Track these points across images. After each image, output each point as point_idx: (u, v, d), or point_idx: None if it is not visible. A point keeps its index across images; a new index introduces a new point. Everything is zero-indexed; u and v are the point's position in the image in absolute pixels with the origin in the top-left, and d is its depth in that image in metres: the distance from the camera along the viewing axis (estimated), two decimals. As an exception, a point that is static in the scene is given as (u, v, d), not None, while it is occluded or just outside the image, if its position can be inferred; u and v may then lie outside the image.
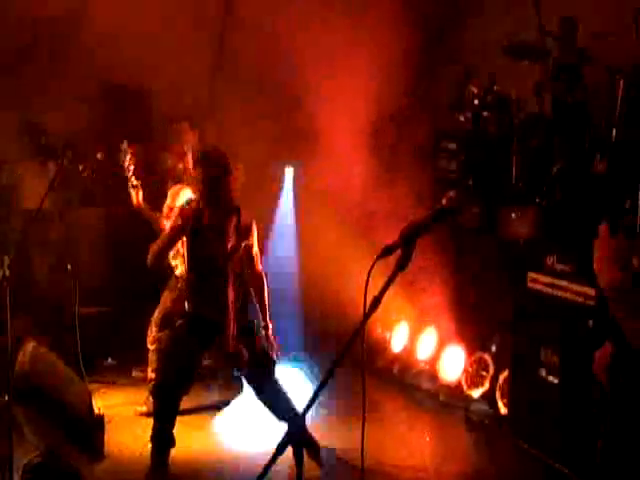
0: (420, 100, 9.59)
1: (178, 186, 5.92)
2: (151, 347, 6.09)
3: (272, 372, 5.14)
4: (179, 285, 6.09)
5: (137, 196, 5.67)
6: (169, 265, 6.23)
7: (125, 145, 5.43)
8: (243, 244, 4.99)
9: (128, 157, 5.40)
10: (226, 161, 5.00)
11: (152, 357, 6.09)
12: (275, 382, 5.13)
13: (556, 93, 6.91)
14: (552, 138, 6.72)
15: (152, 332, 6.09)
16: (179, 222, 4.92)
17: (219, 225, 4.91)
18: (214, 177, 4.91)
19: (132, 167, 5.44)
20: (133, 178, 5.50)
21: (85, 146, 7.42)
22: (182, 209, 4.97)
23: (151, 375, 6.07)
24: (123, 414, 6.01)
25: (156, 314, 6.11)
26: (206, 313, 5.00)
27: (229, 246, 4.93)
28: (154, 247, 5.01)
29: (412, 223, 2.28)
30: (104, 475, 4.96)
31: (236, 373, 5.29)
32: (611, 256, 2.87)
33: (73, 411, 5.18)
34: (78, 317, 6.47)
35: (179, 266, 6.11)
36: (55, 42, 8.05)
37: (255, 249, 5.08)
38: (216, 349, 5.18)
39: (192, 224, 4.89)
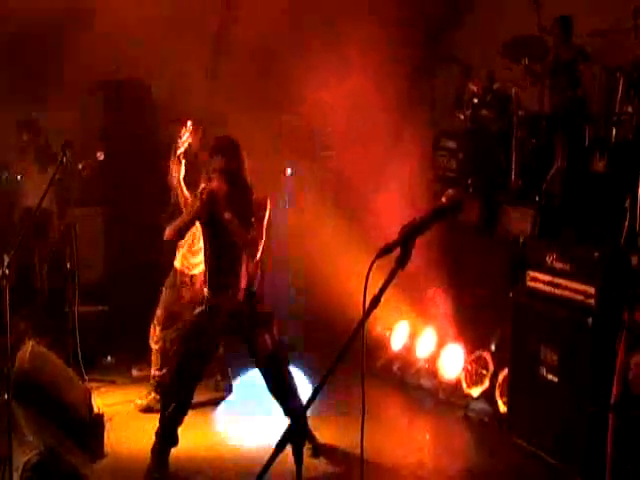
0: (420, 99, 9.60)
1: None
2: (155, 346, 6.05)
3: (286, 362, 5.18)
4: (178, 281, 6.08)
5: (179, 172, 5.65)
6: (170, 258, 6.22)
7: (190, 124, 5.51)
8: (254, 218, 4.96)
9: (187, 135, 5.46)
10: (241, 149, 5.04)
11: (155, 357, 6.07)
12: (288, 373, 5.19)
13: (555, 90, 6.91)
14: (551, 136, 6.71)
15: (156, 331, 6.04)
16: (198, 204, 4.95)
17: (238, 212, 4.89)
18: (232, 165, 4.95)
19: (186, 145, 5.51)
20: (182, 155, 5.54)
21: (85, 145, 7.42)
22: (201, 193, 4.94)
23: (155, 373, 6.05)
24: (122, 413, 6.01)
25: (158, 312, 6.07)
26: (225, 299, 5.01)
27: (249, 233, 4.91)
28: (176, 223, 5.11)
29: (412, 222, 2.28)
30: (104, 474, 4.96)
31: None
32: None
33: (73, 410, 5.18)
34: (77, 316, 6.49)
35: (179, 257, 6.09)
36: (57, 40, 8.04)
37: (264, 226, 5.01)
38: (238, 335, 5.18)
39: (210, 210, 4.90)
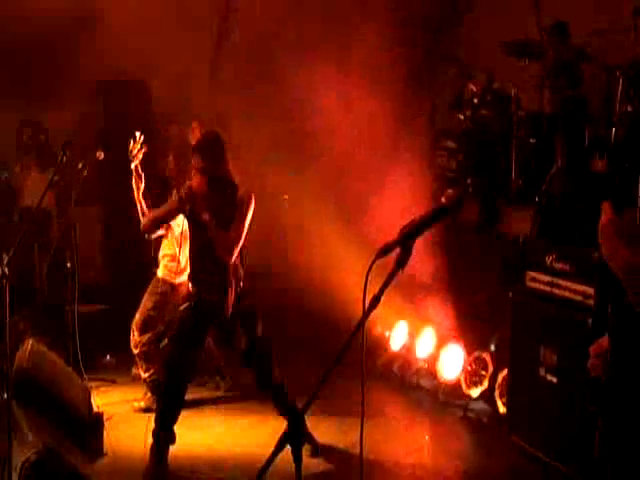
0: (420, 99, 9.59)
1: None
2: (135, 351, 6.09)
3: (272, 358, 5.17)
4: (159, 289, 6.11)
5: (139, 189, 5.67)
6: (154, 264, 6.25)
7: (138, 135, 5.46)
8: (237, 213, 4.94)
9: (138, 147, 5.42)
10: (224, 147, 4.99)
11: (139, 361, 6.11)
12: (276, 370, 5.17)
13: (555, 90, 6.91)
14: (551, 136, 6.72)
15: (134, 336, 6.07)
16: (178, 203, 4.94)
17: (219, 213, 4.89)
18: (214, 164, 4.90)
19: (140, 157, 5.47)
20: (138, 168, 5.51)
21: (85, 144, 7.42)
22: (183, 191, 4.92)
23: (144, 376, 6.08)
24: (122, 412, 6.02)
25: (137, 317, 6.09)
26: (209, 295, 5.03)
27: (232, 230, 4.90)
28: (153, 214, 5.20)
29: (411, 221, 2.28)
30: (103, 473, 4.96)
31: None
32: (620, 237, 2.67)
33: (72, 409, 5.18)
34: (77, 315, 6.48)
35: (161, 267, 6.13)
36: (57, 41, 8.04)
37: (245, 226, 4.98)
38: (216, 332, 5.21)
39: (192, 208, 4.91)
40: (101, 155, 6.40)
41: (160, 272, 6.16)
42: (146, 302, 6.13)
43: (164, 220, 5.25)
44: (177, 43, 8.58)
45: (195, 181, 4.91)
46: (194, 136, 6.55)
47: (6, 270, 4.09)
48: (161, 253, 6.19)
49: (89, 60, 8.21)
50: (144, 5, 8.00)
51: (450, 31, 9.55)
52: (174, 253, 6.03)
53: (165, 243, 6.13)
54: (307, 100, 8.00)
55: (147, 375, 6.05)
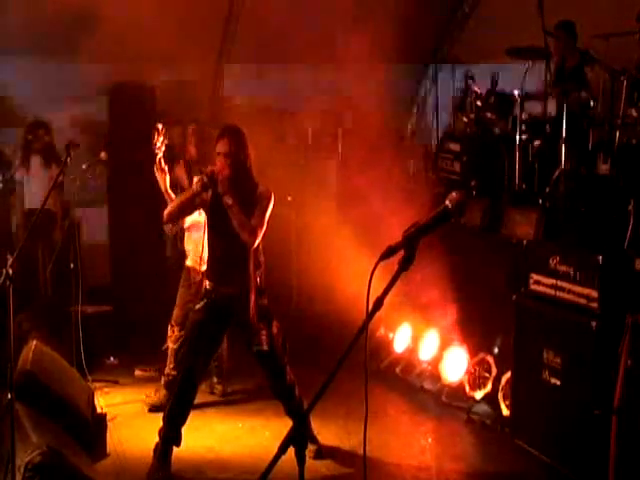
0: (423, 101, 9.60)
1: None
2: (174, 346, 6.00)
3: (285, 360, 5.14)
4: (192, 280, 6.03)
5: (164, 181, 5.62)
6: (182, 257, 6.21)
7: (160, 127, 5.42)
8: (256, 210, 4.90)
9: (160, 139, 5.37)
10: (246, 138, 4.99)
11: (172, 356, 6.03)
12: (287, 372, 5.15)
13: (559, 92, 6.90)
14: (555, 139, 6.71)
15: (174, 332, 6.00)
16: (200, 186, 4.84)
17: (240, 199, 4.85)
18: (237, 150, 4.90)
19: (163, 149, 5.42)
20: (162, 161, 5.46)
21: (89, 145, 7.44)
22: (205, 174, 4.86)
23: (170, 372, 6.01)
24: (125, 413, 6.01)
25: (175, 313, 6.03)
26: (226, 290, 4.98)
27: (253, 218, 4.87)
28: (176, 201, 5.09)
29: (415, 224, 2.28)
30: (106, 474, 4.97)
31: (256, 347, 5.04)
32: None
33: (75, 410, 5.19)
34: (81, 316, 6.50)
35: (190, 256, 6.07)
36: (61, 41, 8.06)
37: (266, 217, 4.96)
38: (237, 328, 5.13)
39: (214, 192, 4.85)
40: (105, 156, 6.41)
41: (189, 261, 6.08)
42: (181, 296, 6.06)
43: (187, 206, 5.05)
44: (181, 45, 8.58)
45: (219, 164, 4.88)
46: (191, 139, 6.51)
47: (10, 271, 4.09)
48: (187, 246, 6.12)
49: (93, 60, 8.22)
50: (148, 6, 8.00)
51: (454, 32, 9.57)
52: (198, 243, 5.99)
53: (188, 235, 6.07)
54: (309, 100, 8.02)
55: (174, 373, 5.97)
